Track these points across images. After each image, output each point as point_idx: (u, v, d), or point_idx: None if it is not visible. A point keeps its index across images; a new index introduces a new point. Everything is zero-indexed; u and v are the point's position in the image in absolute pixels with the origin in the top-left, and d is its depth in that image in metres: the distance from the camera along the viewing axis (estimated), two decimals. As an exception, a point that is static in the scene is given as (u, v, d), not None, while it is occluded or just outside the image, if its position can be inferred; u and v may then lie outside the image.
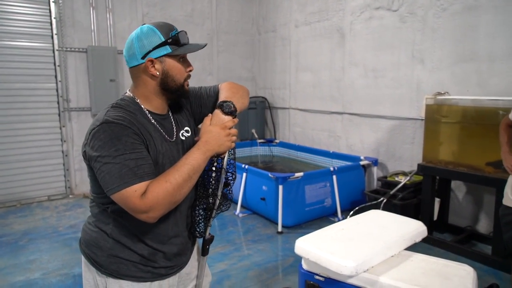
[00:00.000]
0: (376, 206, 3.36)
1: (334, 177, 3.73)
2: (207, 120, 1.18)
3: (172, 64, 1.15)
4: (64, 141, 4.46)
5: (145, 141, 1.09)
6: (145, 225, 1.13)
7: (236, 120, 1.18)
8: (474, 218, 3.35)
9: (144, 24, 1.16)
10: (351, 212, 3.49)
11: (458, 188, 3.43)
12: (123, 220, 1.15)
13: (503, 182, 2.68)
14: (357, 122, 4.38)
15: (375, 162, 4.07)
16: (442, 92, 3.24)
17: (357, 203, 3.98)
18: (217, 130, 1.14)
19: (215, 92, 1.36)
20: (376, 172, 4.10)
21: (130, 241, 1.16)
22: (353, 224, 2.19)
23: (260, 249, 3.13)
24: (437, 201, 3.22)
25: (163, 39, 1.11)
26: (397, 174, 3.63)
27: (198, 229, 1.30)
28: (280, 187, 3.38)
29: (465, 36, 3.25)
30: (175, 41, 1.12)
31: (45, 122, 4.35)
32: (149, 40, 1.11)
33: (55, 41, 4.25)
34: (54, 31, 4.23)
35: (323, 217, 3.77)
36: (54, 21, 4.22)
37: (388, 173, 3.82)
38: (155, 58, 1.12)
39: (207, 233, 1.34)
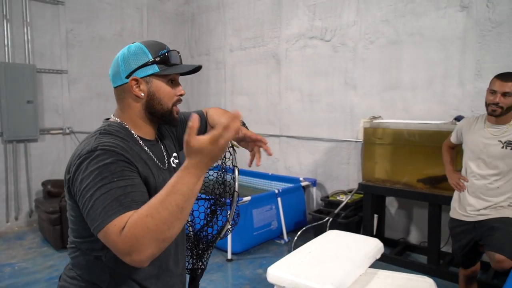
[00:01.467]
0: (322, 226, 3.47)
1: (279, 199, 3.78)
2: (193, 126, 0.85)
3: (159, 86, 1.03)
4: (-34, 172, 3.77)
5: (141, 172, 0.95)
6: (148, 271, 0.99)
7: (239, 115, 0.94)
8: (406, 230, 3.67)
9: (134, 42, 1.07)
10: (299, 233, 3.54)
11: (391, 204, 3.74)
12: (124, 270, 0.97)
13: (434, 196, 3.00)
14: (294, 145, 4.54)
15: (314, 183, 4.23)
16: (376, 116, 3.54)
17: (300, 223, 4.07)
18: (209, 148, 0.81)
19: (202, 118, 1.30)
20: (315, 192, 4.26)
21: None
22: (318, 246, 2.22)
23: (212, 280, 2.97)
24: (375, 217, 3.45)
25: (151, 58, 1.01)
26: (338, 193, 3.82)
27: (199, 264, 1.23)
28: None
29: (390, 66, 3.63)
30: (164, 60, 1.02)
31: None
32: (135, 58, 1.01)
33: (-43, 56, 3.64)
34: (-44, 44, 3.63)
35: (269, 240, 3.76)
36: (-44, 32, 3.62)
37: (330, 193, 3.99)
38: (141, 78, 1.01)
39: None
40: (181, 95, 1.08)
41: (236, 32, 5.03)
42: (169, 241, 0.82)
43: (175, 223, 0.81)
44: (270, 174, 4.66)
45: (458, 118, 3.00)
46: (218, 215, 1.19)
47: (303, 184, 4.15)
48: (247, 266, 3.19)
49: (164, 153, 1.13)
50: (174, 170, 1.14)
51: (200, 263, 1.25)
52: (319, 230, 3.51)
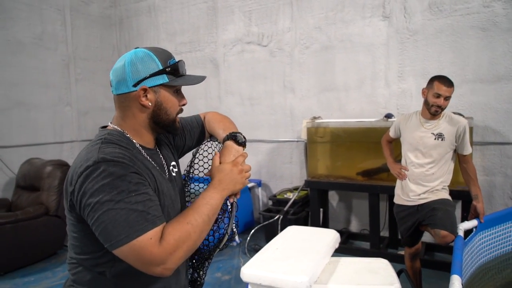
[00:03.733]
0: (272, 224, 3.60)
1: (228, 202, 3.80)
2: (216, 158, 1.06)
3: (167, 96, 1.01)
4: None
5: (149, 180, 0.94)
6: (154, 285, 1.00)
7: (246, 154, 1.10)
8: (347, 220, 3.98)
9: (137, 47, 1.03)
10: (251, 232, 3.62)
11: (332, 198, 4.02)
12: (128, 286, 0.97)
13: (373, 187, 3.32)
14: (237, 147, 4.60)
15: (259, 183, 4.36)
16: (316, 117, 3.79)
17: (248, 224, 4.15)
18: (229, 168, 1.02)
19: (199, 123, 1.29)
20: (260, 192, 4.39)
21: None
22: (282, 242, 2.32)
23: (172, 290, 2.89)
24: (321, 211, 3.69)
25: (161, 67, 0.98)
26: (285, 191, 3.98)
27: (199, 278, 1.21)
28: (182, 220, 3.24)
29: (325, 69, 3.91)
30: (173, 70, 1.00)
31: None
32: (145, 66, 0.97)
33: None
34: None
35: (222, 243, 3.77)
36: None
37: (277, 191, 4.15)
38: (149, 87, 0.98)
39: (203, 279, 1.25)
40: (184, 104, 1.08)
41: (170, 36, 4.94)
42: (194, 250, 0.93)
43: (204, 232, 0.93)
44: (214, 178, 4.66)
45: (388, 116, 3.37)
46: (219, 223, 1.19)
47: (249, 185, 4.24)
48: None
49: (164, 162, 1.12)
50: (175, 179, 1.13)
51: (197, 276, 1.24)
52: (269, 229, 3.64)
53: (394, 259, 2.87)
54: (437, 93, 2.21)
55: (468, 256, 2.11)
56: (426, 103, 2.30)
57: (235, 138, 1.10)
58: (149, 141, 1.07)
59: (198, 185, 1.35)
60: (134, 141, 1.02)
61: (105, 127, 1.06)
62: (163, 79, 0.99)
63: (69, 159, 4.51)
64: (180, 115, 1.26)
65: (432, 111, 2.26)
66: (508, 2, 3.07)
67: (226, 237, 1.16)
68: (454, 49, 3.29)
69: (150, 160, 1.03)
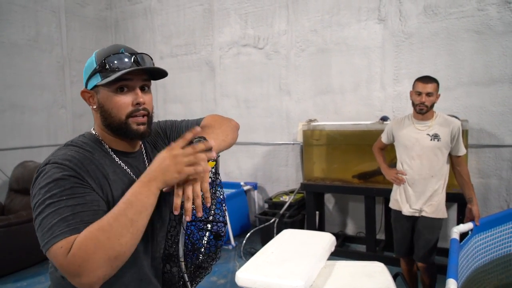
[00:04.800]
0: (268, 227, 3.58)
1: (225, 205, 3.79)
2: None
3: (106, 96, 0.91)
4: None
5: (96, 186, 0.88)
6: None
7: (201, 146, 0.88)
8: (343, 223, 3.97)
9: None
10: (247, 236, 3.60)
11: (328, 200, 4.01)
12: None
13: (369, 190, 3.31)
14: (233, 150, 4.59)
15: (255, 186, 4.34)
16: (312, 119, 3.78)
17: (244, 227, 4.14)
18: (161, 156, 0.84)
19: (198, 125, 1.16)
20: (256, 195, 4.37)
21: None
22: (278, 246, 2.30)
23: (166, 295, 2.86)
24: (316, 214, 3.68)
25: (94, 66, 0.91)
26: (280, 194, 3.97)
27: None
28: (177, 223, 3.21)
29: (321, 72, 3.91)
30: (102, 67, 0.90)
31: None
32: (87, 68, 0.94)
33: None
34: None
35: (217, 247, 3.74)
36: None
37: (272, 194, 4.13)
38: (90, 90, 0.93)
39: None
40: (138, 103, 0.93)
41: (166, 39, 4.93)
42: (121, 259, 0.78)
43: (125, 236, 0.77)
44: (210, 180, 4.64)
45: (384, 118, 3.37)
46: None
47: (245, 188, 4.22)
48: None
49: (147, 166, 1.03)
50: None
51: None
52: (265, 232, 3.62)
53: (390, 262, 2.87)
54: (418, 91, 2.26)
55: (464, 259, 2.11)
56: (412, 104, 2.34)
57: (191, 144, 0.91)
58: (121, 145, 0.99)
59: None
60: (104, 144, 0.97)
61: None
62: (97, 79, 0.91)
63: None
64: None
65: (418, 109, 2.28)
66: (502, 6, 3.09)
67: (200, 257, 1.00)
68: (449, 52, 3.30)
69: (121, 164, 0.98)
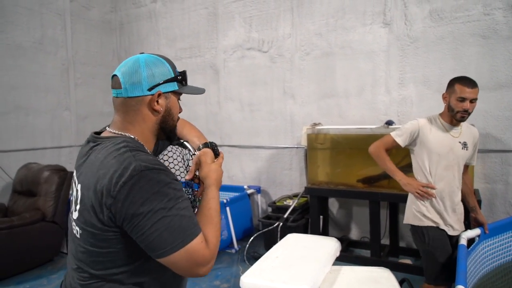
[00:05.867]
0: (271, 231, 3.56)
1: (228, 208, 3.78)
2: (204, 161, 1.12)
3: (175, 102, 1.05)
4: None
5: None
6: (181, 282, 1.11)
7: (222, 154, 1.21)
8: (347, 228, 3.94)
9: (143, 53, 1.04)
10: (250, 240, 3.58)
11: (332, 205, 3.99)
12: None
13: (374, 194, 3.28)
14: (236, 153, 4.58)
15: (258, 190, 4.32)
16: (317, 123, 3.77)
17: (247, 231, 4.11)
18: (219, 168, 1.12)
19: None
20: (260, 199, 4.35)
21: None
22: (283, 250, 2.29)
23: (169, 299, 2.84)
24: (320, 218, 3.65)
25: (173, 74, 1.02)
26: (284, 198, 3.95)
27: None
28: (180, 226, 3.20)
29: (325, 76, 3.90)
30: (183, 78, 1.04)
31: None
32: (160, 71, 0.99)
33: None
34: None
35: (220, 250, 3.73)
36: None
37: (276, 198, 4.11)
38: (163, 93, 1.00)
39: None
40: (180, 112, 1.11)
41: (171, 42, 4.93)
42: None
43: (220, 230, 1.02)
44: (213, 184, 4.62)
45: (389, 122, 3.35)
46: None
47: (248, 192, 4.20)
48: (203, 280, 3.12)
49: None
50: None
51: None
52: (269, 236, 3.60)
53: (395, 268, 2.84)
54: (461, 96, 1.96)
55: (472, 265, 2.08)
56: (450, 109, 2.03)
57: (214, 148, 1.19)
58: (151, 147, 1.07)
59: None
60: (146, 149, 1.00)
61: (99, 132, 1.05)
62: (174, 86, 1.02)
63: (67, 164, 4.48)
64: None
65: (458, 117, 2.00)
66: (508, 10, 3.08)
67: None
68: (454, 57, 3.29)
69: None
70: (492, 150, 3.21)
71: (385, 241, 3.55)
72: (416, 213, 2.15)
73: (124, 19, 5.32)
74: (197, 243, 0.88)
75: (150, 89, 0.97)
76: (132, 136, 1.00)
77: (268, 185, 4.39)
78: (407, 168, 3.19)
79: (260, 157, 4.41)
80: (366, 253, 3.53)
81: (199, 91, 1.10)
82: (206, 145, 1.18)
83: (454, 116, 2.03)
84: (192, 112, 4.84)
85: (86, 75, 4.97)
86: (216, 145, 1.21)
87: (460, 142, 2.08)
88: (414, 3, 3.42)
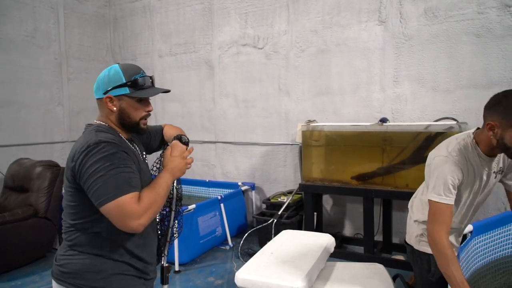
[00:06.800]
0: (265, 228, 3.56)
1: (222, 205, 3.78)
2: (168, 151, 1.38)
3: (129, 103, 1.28)
4: None
5: (133, 160, 1.25)
6: (137, 241, 1.29)
7: (191, 149, 1.43)
8: (341, 224, 3.96)
9: (118, 63, 1.32)
10: (245, 236, 3.59)
11: (326, 201, 4.00)
12: (119, 240, 1.25)
13: (368, 191, 3.30)
14: (231, 150, 4.58)
15: (252, 187, 4.32)
16: (312, 120, 3.77)
17: (241, 227, 4.12)
18: (179, 160, 1.35)
19: (160, 131, 1.64)
20: (254, 195, 4.35)
21: (128, 257, 1.28)
22: (277, 246, 2.29)
23: (163, 295, 2.84)
24: (314, 215, 3.67)
25: (124, 81, 1.26)
26: (278, 195, 3.96)
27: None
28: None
29: (321, 73, 3.91)
30: (134, 84, 1.26)
31: None
32: (112, 79, 1.26)
33: None
34: None
35: (214, 247, 3.73)
36: None
37: (270, 195, 4.11)
38: (114, 96, 1.26)
39: (164, 261, 1.55)
40: (149, 111, 1.35)
41: (165, 37, 4.90)
42: (156, 214, 1.24)
43: (161, 203, 1.23)
44: (207, 180, 4.62)
45: (383, 120, 3.37)
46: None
47: (243, 188, 4.20)
48: (197, 276, 3.12)
49: (138, 151, 1.41)
50: (146, 165, 1.43)
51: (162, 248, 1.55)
52: (263, 232, 3.61)
53: (388, 264, 2.85)
54: None
55: (463, 262, 2.10)
56: (502, 145, 1.46)
57: (180, 139, 1.43)
58: (126, 134, 1.35)
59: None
60: (119, 133, 1.32)
61: (91, 124, 1.32)
62: (125, 90, 1.26)
63: (60, 160, 4.44)
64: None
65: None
66: (502, 9, 3.10)
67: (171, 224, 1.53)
68: (449, 55, 3.31)
69: (131, 146, 1.34)
70: (484, 148, 3.24)
71: (378, 237, 3.57)
72: (422, 240, 1.82)
73: (118, 14, 5.27)
74: (127, 197, 1.10)
75: (104, 93, 1.26)
76: (106, 124, 1.30)
77: (262, 181, 4.39)
78: (400, 166, 3.24)
79: (255, 154, 4.41)
80: (360, 249, 3.55)
81: (152, 93, 1.30)
82: (174, 138, 1.43)
83: (508, 154, 1.49)
84: (186, 109, 4.82)
85: (79, 70, 4.92)
86: (181, 137, 1.44)
87: (495, 172, 1.64)
88: (409, 1, 3.43)
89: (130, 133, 1.37)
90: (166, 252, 1.54)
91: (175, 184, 1.52)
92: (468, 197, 1.66)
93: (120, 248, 1.25)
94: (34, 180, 3.49)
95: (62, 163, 4.34)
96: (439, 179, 1.55)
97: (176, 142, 1.41)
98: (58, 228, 3.54)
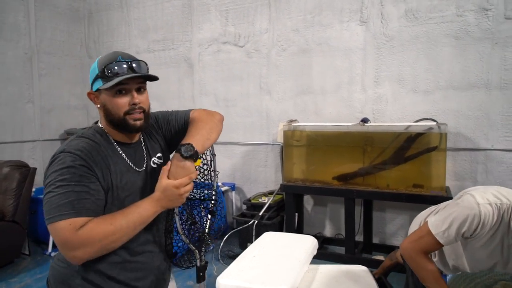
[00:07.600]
0: (246, 229, 3.50)
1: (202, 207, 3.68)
2: (167, 166, 1.08)
3: (106, 98, 1.10)
4: None
5: (100, 175, 1.05)
6: (114, 258, 1.11)
7: (193, 175, 1.08)
8: (321, 225, 3.95)
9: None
10: (225, 238, 3.51)
11: (307, 202, 3.98)
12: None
13: (349, 191, 3.29)
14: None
15: (233, 187, 4.25)
16: (293, 120, 3.73)
17: (222, 228, 4.03)
18: (172, 190, 1.05)
19: (185, 120, 1.32)
20: (234, 196, 4.28)
21: (101, 279, 1.10)
22: (260, 249, 2.23)
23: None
24: (295, 215, 3.63)
25: (97, 72, 1.09)
26: (259, 196, 3.90)
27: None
28: (152, 225, 3.08)
29: (302, 72, 3.88)
30: (103, 74, 1.07)
31: None
32: (91, 73, 1.12)
33: None
34: None
35: (194, 249, 3.63)
36: None
37: (251, 196, 4.05)
38: (94, 91, 1.12)
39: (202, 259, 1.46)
40: (134, 104, 1.10)
41: (143, 33, 4.75)
42: (110, 250, 1.03)
43: (126, 237, 1.02)
44: (186, 181, 4.50)
45: (364, 120, 3.37)
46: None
47: (223, 189, 4.12)
48: (176, 279, 2.99)
49: (145, 155, 1.22)
50: (153, 170, 1.22)
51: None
52: (244, 234, 3.54)
53: (369, 264, 2.83)
54: None
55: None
56: None
57: (180, 151, 1.06)
58: (122, 137, 1.17)
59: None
60: (109, 136, 1.16)
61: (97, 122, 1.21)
62: (99, 83, 1.09)
63: (30, 159, 4.22)
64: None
65: None
66: (480, 12, 3.15)
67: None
68: (428, 56, 3.34)
69: (122, 155, 1.15)
70: (462, 148, 3.29)
71: (359, 237, 3.58)
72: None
73: (93, 8, 5.07)
74: (64, 224, 0.94)
75: (91, 89, 1.14)
76: (100, 126, 1.17)
77: (242, 182, 4.32)
78: (380, 166, 3.24)
79: (235, 154, 4.33)
80: (341, 250, 3.54)
81: (123, 77, 1.06)
82: (180, 147, 1.08)
83: None
84: (164, 107, 4.67)
85: (51, 65, 4.70)
86: (183, 150, 1.06)
87: None
88: (390, 2, 3.44)
89: (129, 134, 1.17)
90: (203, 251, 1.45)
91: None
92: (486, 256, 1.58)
93: (90, 266, 1.08)
94: (1, 181, 3.29)
95: (32, 163, 4.13)
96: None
97: (177, 158, 1.06)
98: (27, 232, 3.35)
